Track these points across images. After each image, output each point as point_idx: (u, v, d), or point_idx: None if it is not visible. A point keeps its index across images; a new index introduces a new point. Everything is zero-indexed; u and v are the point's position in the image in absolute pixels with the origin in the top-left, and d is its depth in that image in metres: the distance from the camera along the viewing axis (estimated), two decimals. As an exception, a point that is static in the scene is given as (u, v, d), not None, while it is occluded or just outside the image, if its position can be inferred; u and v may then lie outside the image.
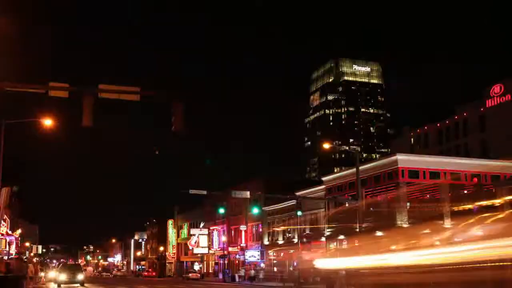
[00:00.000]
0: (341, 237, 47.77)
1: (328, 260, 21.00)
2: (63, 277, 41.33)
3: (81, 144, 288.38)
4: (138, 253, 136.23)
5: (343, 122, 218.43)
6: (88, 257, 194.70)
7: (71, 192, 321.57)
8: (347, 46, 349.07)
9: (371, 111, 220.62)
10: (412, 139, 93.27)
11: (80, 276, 42.20)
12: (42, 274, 68.22)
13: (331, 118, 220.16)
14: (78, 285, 41.09)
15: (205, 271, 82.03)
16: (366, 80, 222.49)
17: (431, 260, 12.66)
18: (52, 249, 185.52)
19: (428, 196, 47.48)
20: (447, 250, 12.71)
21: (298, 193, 53.84)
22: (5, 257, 46.53)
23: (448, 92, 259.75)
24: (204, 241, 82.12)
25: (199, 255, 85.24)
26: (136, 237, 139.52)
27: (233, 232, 74.12)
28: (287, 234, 59.35)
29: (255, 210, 53.77)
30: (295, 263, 53.10)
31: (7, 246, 56.84)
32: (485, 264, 10.97)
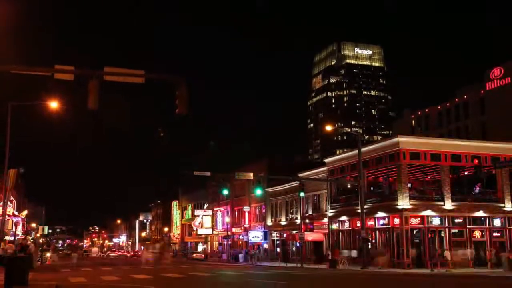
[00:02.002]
0: (343, 217, 48.40)
1: None
2: None
3: (85, 126, 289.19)
4: (143, 234, 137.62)
5: (345, 104, 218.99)
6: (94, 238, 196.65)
7: (77, 173, 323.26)
8: (349, 29, 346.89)
9: (373, 93, 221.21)
10: (413, 121, 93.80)
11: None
12: (48, 254, 69.37)
13: (333, 101, 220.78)
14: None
15: (209, 251, 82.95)
16: (368, 63, 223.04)
17: None
18: (58, 230, 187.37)
19: (429, 177, 47.92)
20: None
21: (300, 175, 54.36)
22: (7, 238, 47.45)
23: (449, 75, 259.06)
24: (208, 222, 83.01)
25: (203, 235, 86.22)
26: (141, 218, 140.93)
27: (236, 213, 74.87)
28: (290, 215, 60.00)
29: (258, 192, 54.27)
30: (298, 244, 53.86)
31: (14, 227, 57.76)
32: None
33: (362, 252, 40.90)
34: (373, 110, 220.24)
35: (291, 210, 59.84)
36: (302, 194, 50.88)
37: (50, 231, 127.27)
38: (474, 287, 23.29)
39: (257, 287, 21.04)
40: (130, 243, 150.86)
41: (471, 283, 24.50)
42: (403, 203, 40.20)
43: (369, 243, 43.34)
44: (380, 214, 43.03)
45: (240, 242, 72.51)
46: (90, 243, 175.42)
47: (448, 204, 41.29)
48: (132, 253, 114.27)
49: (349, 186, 48.54)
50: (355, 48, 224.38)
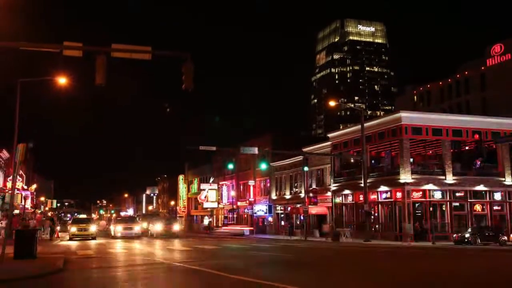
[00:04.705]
0: (346, 191, 49.16)
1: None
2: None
3: (94, 102, 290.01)
4: (150, 207, 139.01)
5: (349, 80, 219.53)
6: (101, 211, 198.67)
7: (85, 148, 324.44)
8: (352, 7, 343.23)
9: (376, 69, 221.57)
10: (415, 97, 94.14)
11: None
12: (58, 228, 70.49)
13: (336, 77, 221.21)
14: (90, 239, 41.42)
15: (214, 224, 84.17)
16: (370, 39, 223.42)
17: None
18: (66, 203, 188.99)
19: (430, 152, 48.46)
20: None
21: (305, 149, 54.98)
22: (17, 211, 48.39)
23: (450, 51, 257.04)
24: (213, 195, 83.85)
25: (208, 209, 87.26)
26: (148, 191, 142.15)
27: (241, 187, 75.73)
28: (294, 189, 60.79)
29: (263, 166, 54.82)
30: (302, 217, 54.73)
31: (23, 200, 58.82)
32: None
33: (365, 225, 41.70)
34: (376, 86, 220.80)
35: (295, 184, 60.61)
36: (306, 169, 51.62)
37: (58, 204, 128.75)
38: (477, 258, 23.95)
39: (265, 261, 21.74)
40: (136, 216, 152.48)
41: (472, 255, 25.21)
42: (405, 177, 40.86)
43: (372, 217, 44.18)
44: (383, 188, 43.73)
45: (245, 216, 73.56)
46: (97, 216, 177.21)
47: (450, 178, 41.96)
48: None
49: (352, 160, 49.18)
50: (358, 25, 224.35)
